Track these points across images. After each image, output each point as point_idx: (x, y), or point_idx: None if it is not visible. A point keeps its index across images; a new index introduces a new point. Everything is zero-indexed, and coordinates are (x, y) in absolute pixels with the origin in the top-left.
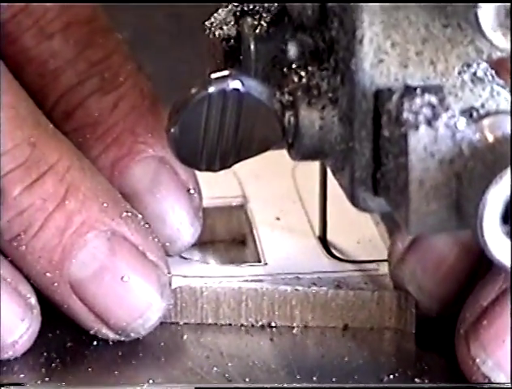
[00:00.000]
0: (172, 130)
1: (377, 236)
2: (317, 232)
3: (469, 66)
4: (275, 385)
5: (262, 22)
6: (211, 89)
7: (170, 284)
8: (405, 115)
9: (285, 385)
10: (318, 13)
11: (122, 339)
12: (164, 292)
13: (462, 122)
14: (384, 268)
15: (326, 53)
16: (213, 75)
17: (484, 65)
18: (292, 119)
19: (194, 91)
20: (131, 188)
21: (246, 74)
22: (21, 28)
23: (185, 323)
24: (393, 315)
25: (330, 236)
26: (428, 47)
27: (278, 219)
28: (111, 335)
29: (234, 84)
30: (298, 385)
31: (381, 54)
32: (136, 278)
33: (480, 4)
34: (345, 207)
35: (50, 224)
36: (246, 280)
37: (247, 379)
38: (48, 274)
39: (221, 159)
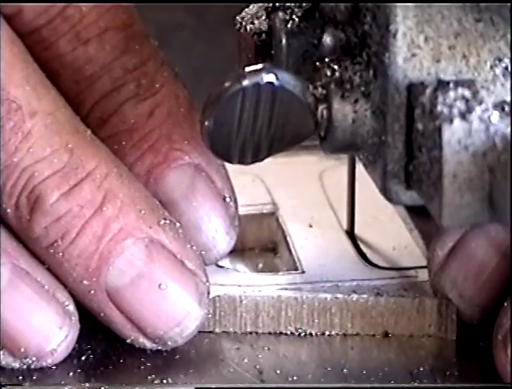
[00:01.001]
0: (206, 123)
1: (412, 242)
2: (353, 240)
3: (501, 60)
4: (280, 385)
5: (294, 16)
6: (245, 82)
7: (208, 293)
8: (439, 108)
9: (292, 385)
10: (351, 8)
11: (159, 348)
12: (202, 301)
13: (495, 116)
14: (423, 275)
15: (358, 47)
16: (247, 69)
17: None
18: (325, 112)
19: (228, 84)
20: (167, 195)
21: (279, 68)
22: (57, 34)
23: (223, 332)
24: (433, 322)
25: (366, 243)
26: (461, 41)
27: (310, 226)
28: (148, 344)
29: (268, 78)
30: (304, 385)
31: (415, 48)
32: (174, 286)
33: None
34: (379, 214)
35: (87, 231)
36: (285, 289)
37: (278, 371)
38: (85, 281)
39: (254, 152)
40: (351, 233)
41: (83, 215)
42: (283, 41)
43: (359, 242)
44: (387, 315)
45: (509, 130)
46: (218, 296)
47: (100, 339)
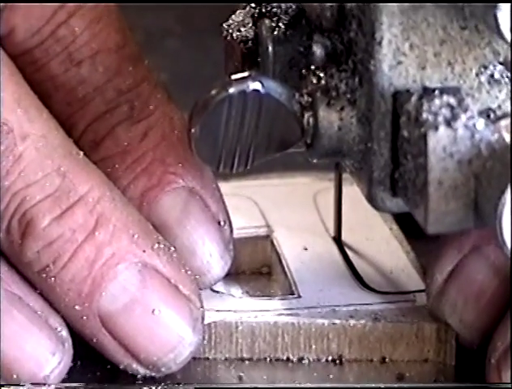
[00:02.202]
0: (192, 131)
1: (410, 265)
2: (349, 263)
3: (486, 67)
4: (276, 385)
5: (280, 24)
6: (232, 90)
7: (203, 319)
8: (424, 116)
9: (286, 385)
10: (337, 15)
11: (153, 374)
12: (197, 327)
13: (480, 123)
14: (421, 299)
15: (344, 55)
16: (233, 76)
17: (500, 67)
18: (311, 120)
19: (214, 92)
20: (161, 219)
21: (265, 76)
22: (49, 55)
23: (219, 359)
24: (432, 348)
25: (363, 266)
26: (446, 49)
27: (305, 249)
28: (141, 371)
29: (254, 85)
30: (303, 385)
31: (400, 56)
32: (167, 311)
33: (499, 5)
34: (375, 236)
35: (80, 256)
36: (281, 314)
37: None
38: (77, 306)
39: (240, 159)
40: (338, 240)
41: (75, 239)
42: (270, 49)
43: (355, 265)
44: (385, 340)
45: (494, 136)
46: (213, 322)
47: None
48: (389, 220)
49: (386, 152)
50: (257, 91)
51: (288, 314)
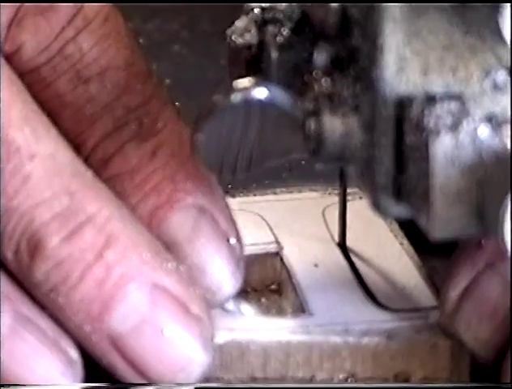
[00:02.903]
0: (196, 138)
1: (422, 281)
2: (361, 280)
3: (489, 73)
4: (275, 385)
5: (284, 30)
6: (235, 97)
7: (213, 338)
8: (426, 122)
9: (292, 385)
10: (340, 21)
11: None
12: (207, 347)
13: (482, 129)
14: (434, 316)
15: (347, 61)
16: (236, 83)
17: (503, 72)
18: (314, 126)
19: (217, 98)
20: (170, 237)
21: (269, 82)
22: (57, 73)
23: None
24: (447, 365)
25: (374, 283)
26: (449, 54)
27: (316, 265)
28: None
29: (257, 92)
30: (299, 385)
31: (402, 62)
32: (178, 332)
33: (501, 11)
34: (386, 253)
35: (89, 276)
36: (294, 332)
37: None
38: (87, 327)
39: (243, 165)
40: (342, 247)
41: (84, 259)
42: (273, 55)
43: (367, 282)
44: (399, 359)
45: (496, 143)
46: (224, 341)
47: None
48: (400, 236)
49: (390, 158)
50: (260, 97)
51: (300, 333)
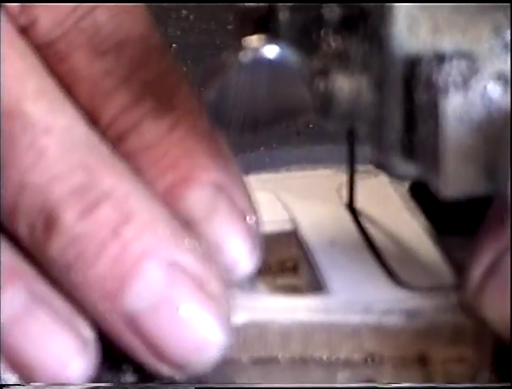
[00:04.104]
0: (204, 94)
1: (442, 260)
2: (379, 257)
3: (498, 32)
4: (277, 385)
5: None
6: (244, 55)
7: (231, 318)
8: (435, 80)
9: (293, 385)
10: None
11: (179, 376)
12: (224, 327)
13: (492, 87)
14: (456, 295)
15: (356, 20)
16: (245, 41)
17: None
18: (323, 85)
19: (225, 56)
20: (187, 215)
21: (277, 41)
22: (72, 46)
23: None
24: (470, 345)
25: (392, 261)
26: (458, 13)
27: (332, 243)
28: (166, 371)
29: (266, 50)
30: (304, 385)
31: (411, 21)
32: (194, 311)
33: None
34: (404, 231)
35: (105, 253)
36: (312, 311)
37: None
38: (102, 305)
39: (251, 124)
40: (350, 206)
41: (100, 236)
42: (282, 15)
43: (385, 259)
44: (420, 339)
45: (506, 100)
46: (242, 321)
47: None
48: (416, 214)
49: (398, 117)
50: (269, 56)
51: (319, 312)
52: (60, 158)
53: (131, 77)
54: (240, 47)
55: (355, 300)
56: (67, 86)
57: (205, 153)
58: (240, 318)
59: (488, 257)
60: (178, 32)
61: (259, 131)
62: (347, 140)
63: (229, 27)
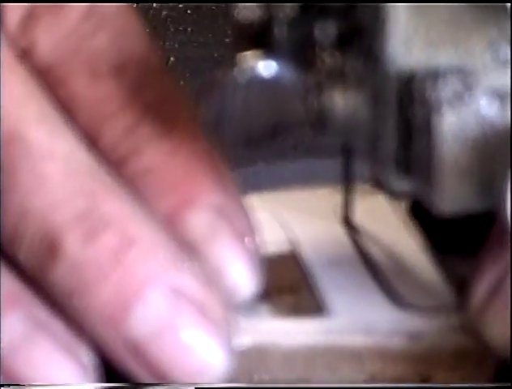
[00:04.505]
0: (200, 111)
1: (442, 280)
2: (379, 278)
3: (492, 47)
4: (276, 385)
5: (290, 5)
6: (238, 72)
7: (233, 342)
8: (429, 96)
9: (292, 385)
10: None
11: None
12: (226, 351)
13: (485, 103)
14: (458, 315)
15: (351, 36)
16: (240, 57)
17: (507, 46)
18: (318, 101)
19: (221, 73)
20: (188, 238)
21: (272, 57)
22: (72, 70)
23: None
24: (472, 367)
25: (393, 282)
26: (452, 28)
27: (332, 263)
28: None
29: (261, 67)
30: (304, 385)
31: (405, 36)
32: (197, 335)
33: None
34: (403, 250)
35: (107, 279)
36: (314, 334)
37: None
38: (105, 331)
39: (248, 139)
40: (347, 222)
41: (102, 262)
42: (278, 31)
43: (386, 280)
44: (422, 361)
45: (501, 116)
46: (244, 344)
47: None
48: (416, 234)
49: (393, 133)
50: (264, 72)
51: (321, 334)
52: (61, 184)
53: (132, 100)
54: (235, 63)
55: (356, 321)
56: (67, 109)
57: (205, 175)
58: (242, 341)
59: (489, 278)
60: (176, 45)
61: (255, 147)
62: (342, 156)
63: (227, 40)
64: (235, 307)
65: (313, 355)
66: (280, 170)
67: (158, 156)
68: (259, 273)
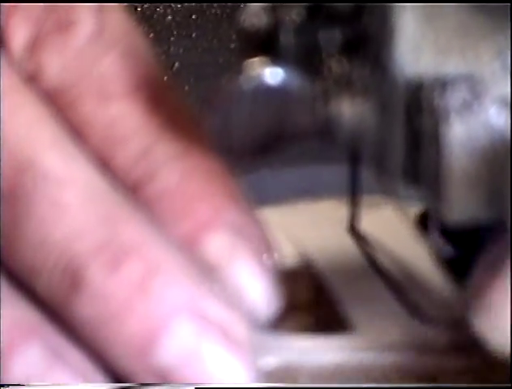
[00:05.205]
0: (208, 121)
1: (455, 291)
2: (395, 289)
3: (500, 54)
4: (278, 385)
5: (297, 13)
6: (245, 79)
7: (257, 364)
8: (436, 105)
9: (292, 385)
10: (353, 3)
11: None
12: (252, 372)
13: (493, 112)
14: (477, 327)
15: (358, 44)
16: (245, 65)
17: None
18: (324, 110)
19: (226, 80)
20: (207, 260)
21: (279, 65)
22: (82, 92)
23: None
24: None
25: (410, 294)
26: (460, 36)
27: (346, 277)
28: None
29: (268, 75)
30: (304, 385)
31: (413, 44)
32: (223, 360)
33: None
34: (416, 265)
35: (131, 310)
36: (338, 352)
37: None
38: (132, 363)
39: (253, 149)
40: (355, 233)
41: (126, 292)
42: (285, 38)
43: (402, 292)
44: (444, 374)
45: (507, 125)
46: (269, 365)
47: None
48: (425, 245)
49: (401, 142)
50: (270, 80)
51: (349, 352)
52: (80, 212)
53: (145, 122)
54: (241, 70)
55: (377, 337)
56: (78, 133)
57: (221, 194)
58: (267, 361)
59: (488, 284)
60: (180, 51)
61: (261, 154)
62: (349, 164)
63: (232, 46)
64: (257, 327)
65: (341, 373)
66: (286, 178)
67: (174, 178)
68: (278, 290)
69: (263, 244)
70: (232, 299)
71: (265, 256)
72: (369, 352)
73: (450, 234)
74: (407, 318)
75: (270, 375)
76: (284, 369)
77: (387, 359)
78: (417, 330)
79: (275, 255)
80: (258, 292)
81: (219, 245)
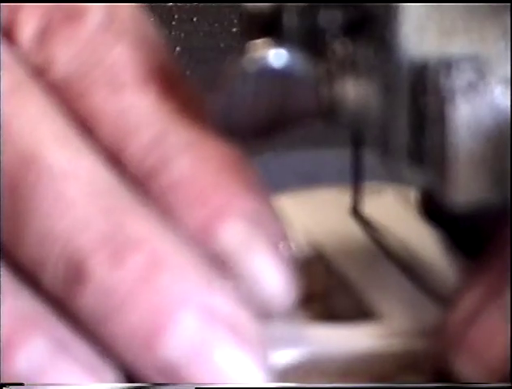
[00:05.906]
0: (210, 103)
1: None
2: (409, 273)
3: (505, 34)
4: (279, 385)
5: None
6: (248, 61)
7: (270, 359)
8: (442, 85)
9: (293, 385)
10: None
11: None
12: (266, 370)
13: (499, 92)
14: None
15: (362, 25)
16: (249, 48)
17: None
18: (328, 91)
19: (230, 62)
20: (220, 251)
21: (283, 47)
22: (90, 82)
23: None
24: None
25: (426, 279)
26: (465, 16)
27: (359, 263)
28: None
29: (270, 56)
30: (304, 385)
31: (418, 24)
32: (232, 356)
33: None
34: (425, 252)
35: (137, 304)
36: (364, 341)
37: None
38: (137, 356)
39: (257, 132)
40: (355, 205)
41: (130, 285)
42: (287, 21)
43: (416, 276)
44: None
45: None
46: (286, 360)
47: None
48: (431, 230)
49: (405, 123)
50: (274, 62)
51: (378, 340)
52: (84, 205)
53: (156, 111)
54: (245, 52)
55: (410, 323)
56: (88, 124)
57: (236, 182)
58: (281, 358)
59: (469, 307)
60: (182, 35)
61: (265, 137)
62: (353, 146)
63: (234, 29)
64: (272, 317)
65: (371, 362)
66: (289, 162)
67: (187, 167)
68: (295, 280)
69: (279, 232)
70: (246, 290)
71: (281, 245)
72: (399, 338)
73: (452, 216)
74: (428, 302)
75: (295, 368)
76: (311, 361)
77: (418, 345)
78: (440, 314)
79: (292, 244)
80: (276, 282)
81: (235, 233)
